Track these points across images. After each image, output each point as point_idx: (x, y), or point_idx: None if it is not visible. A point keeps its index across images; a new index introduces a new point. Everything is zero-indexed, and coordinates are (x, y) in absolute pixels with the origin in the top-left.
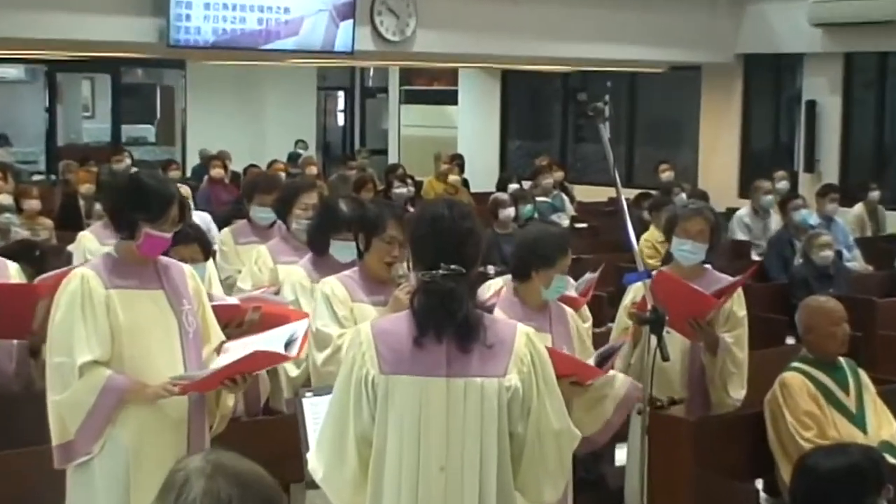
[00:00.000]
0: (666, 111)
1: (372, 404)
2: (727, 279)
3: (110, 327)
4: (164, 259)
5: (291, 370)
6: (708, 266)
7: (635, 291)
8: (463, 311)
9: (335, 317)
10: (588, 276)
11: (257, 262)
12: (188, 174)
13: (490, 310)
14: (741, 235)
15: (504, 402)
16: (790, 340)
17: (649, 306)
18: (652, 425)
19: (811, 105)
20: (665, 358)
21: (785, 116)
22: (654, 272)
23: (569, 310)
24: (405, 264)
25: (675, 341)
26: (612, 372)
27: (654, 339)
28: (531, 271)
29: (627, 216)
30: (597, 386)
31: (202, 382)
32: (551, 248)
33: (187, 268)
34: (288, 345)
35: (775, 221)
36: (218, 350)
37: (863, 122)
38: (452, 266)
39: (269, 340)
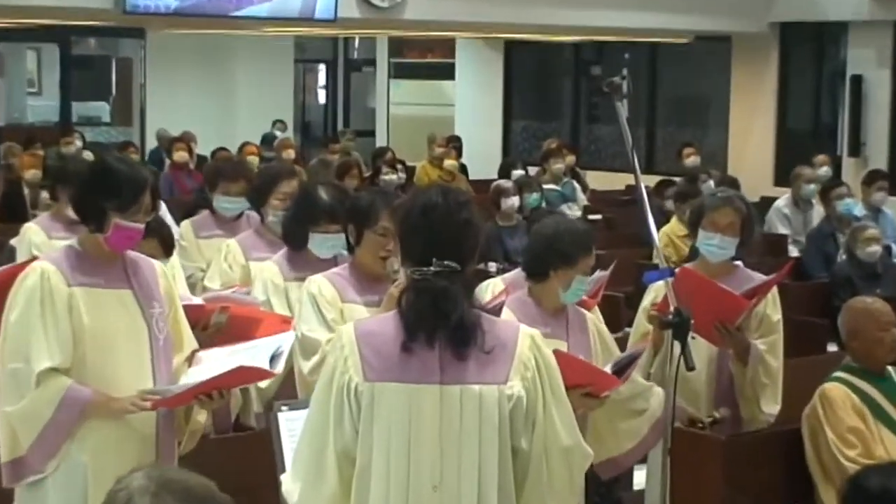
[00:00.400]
0: (691, 87)
1: (355, 416)
2: (760, 278)
3: (72, 330)
4: (132, 254)
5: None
6: (738, 263)
7: (656, 291)
8: (458, 313)
9: (323, 320)
10: (598, 274)
11: (227, 258)
12: (147, 158)
13: (496, 312)
14: (782, 229)
15: (505, 413)
16: (832, 347)
17: (672, 308)
18: (675, 444)
19: (857, 80)
20: (690, 367)
21: (827, 93)
22: (676, 270)
23: (588, 314)
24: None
25: (701, 348)
26: (647, 382)
27: (677, 346)
28: (549, 270)
29: (648, 207)
30: (627, 397)
31: (176, 398)
32: (574, 245)
33: (158, 265)
34: (272, 359)
35: (818, 213)
36: (189, 360)
37: None
38: (446, 262)
39: (253, 354)
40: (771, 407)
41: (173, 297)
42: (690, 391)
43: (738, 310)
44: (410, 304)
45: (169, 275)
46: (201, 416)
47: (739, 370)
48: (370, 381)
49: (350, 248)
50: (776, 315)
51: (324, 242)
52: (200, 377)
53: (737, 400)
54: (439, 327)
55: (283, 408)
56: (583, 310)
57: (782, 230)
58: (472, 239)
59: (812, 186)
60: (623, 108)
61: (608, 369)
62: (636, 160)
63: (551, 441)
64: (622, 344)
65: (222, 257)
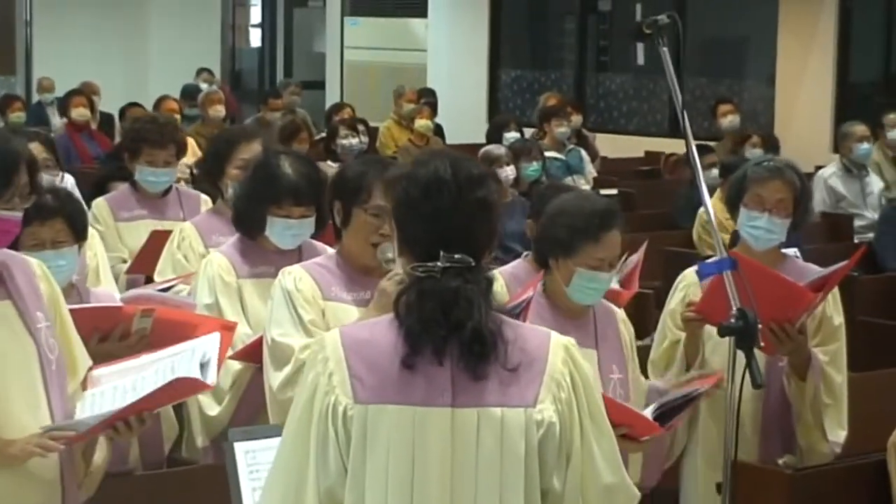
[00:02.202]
0: (727, 28)
1: (343, 447)
2: (816, 270)
3: None
4: (2, 254)
5: (210, 407)
6: (789, 252)
7: (686, 289)
8: (474, 321)
9: (299, 322)
10: (630, 259)
11: (181, 245)
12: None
13: (518, 317)
14: (822, 206)
15: (534, 443)
16: None
17: (734, 308)
18: (731, 479)
19: None
20: (758, 384)
21: None
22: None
23: (621, 315)
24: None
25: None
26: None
27: (739, 358)
28: (548, 259)
29: (702, 180)
30: None
31: (91, 431)
32: (571, 229)
33: (36, 263)
34: (201, 368)
35: (876, 183)
36: (84, 383)
37: None
38: (457, 255)
39: (173, 364)
40: (836, 434)
41: (58, 305)
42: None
43: (802, 305)
44: (412, 309)
45: (84, 268)
46: (101, 454)
47: (798, 387)
48: (362, 402)
49: (337, 233)
50: (838, 317)
51: (286, 230)
52: (115, 402)
53: (790, 425)
54: (451, 339)
55: (242, 436)
56: (614, 307)
57: (824, 207)
58: (489, 224)
59: (866, 146)
60: (668, 57)
61: (649, 412)
62: (686, 123)
63: (590, 479)
64: (646, 354)
65: (174, 245)
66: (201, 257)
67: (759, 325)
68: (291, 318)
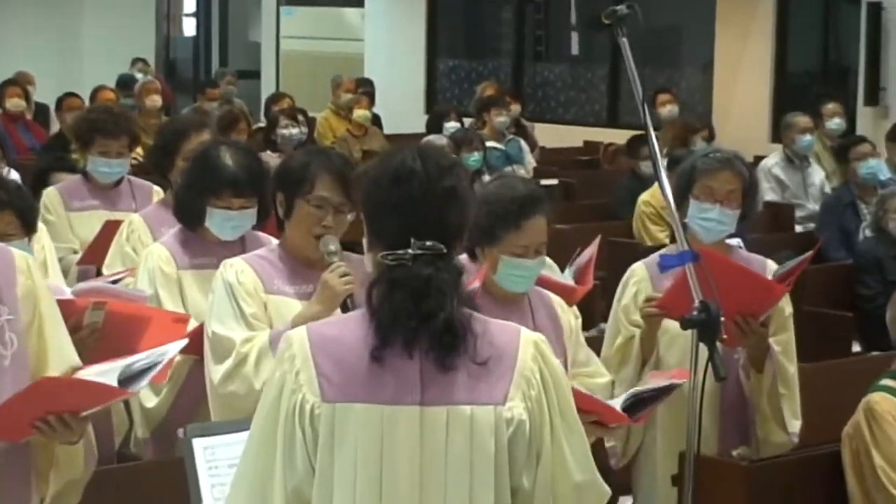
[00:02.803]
0: (665, 17)
1: (311, 446)
2: (759, 260)
3: None
4: None
5: (147, 399)
6: (734, 243)
7: (639, 284)
8: (446, 311)
9: (241, 315)
10: (584, 253)
11: (129, 238)
12: None
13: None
14: (772, 195)
15: (503, 442)
16: (857, 347)
17: (696, 301)
18: (686, 471)
19: (875, 8)
20: (721, 377)
21: (839, 25)
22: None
23: (557, 300)
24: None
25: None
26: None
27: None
28: (475, 248)
29: (663, 172)
30: None
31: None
32: (492, 216)
33: (19, 255)
34: (143, 372)
35: (817, 173)
36: None
37: None
38: (429, 243)
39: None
40: (793, 424)
41: (37, 299)
42: (682, 414)
43: (771, 298)
44: (383, 299)
45: (32, 264)
46: (77, 456)
47: (756, 379)
48: (330, 401)
49: (280, 224)
50: (788, 307)
51: (226, 221)
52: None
53: (744, 417)
54: (422, 330)
55: (200, 432)
56: (551, 294)
57: (771, 196)
58: (459, 213)
59: (808, 137)
60: (627, 47)
61: (618, 402)
62: (647, 115)
63: (560, 477)
64: (596, 345)
65: (123, 237)
66: None
67: (723, 318)
68: (233, 311)
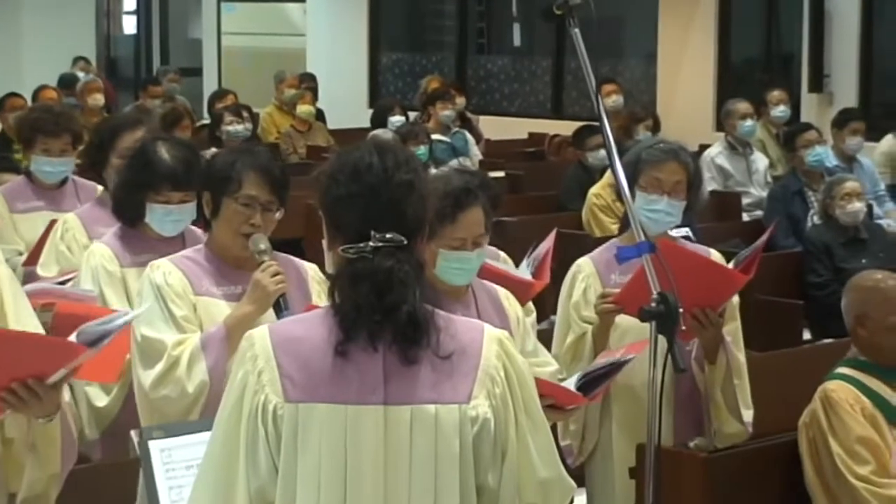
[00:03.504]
0: (608, 7)
1: (274, 447)
2: (704, 250)
3: None
4: None
5: (98, 398)
6: (681, 233)
7: (588, 279)
8: (409, 303)
9: (170, 317)
10: (540, 247)
11: (64, 237)
12: None
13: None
14: (714, 185)
15: (468, 441)
16: (806, 335)
17: (654, 293)
18: (643, 463)
19: None
20: (681, 368)
21: (782, 12)
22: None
23: (503, 291)
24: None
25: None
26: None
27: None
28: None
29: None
30: None
31: None
32: (428, 211)
33: None
34: (99, 339)
35: (761, 160)
36: None
37: (891, 20)
38: (389, 235)
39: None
40: (747, 413)
41: (1, 293)
42: (638, 407)
43: (731, 289)
44: (345, 293)
45: None
46: (53, 439)
47: (710, 370)
48: (293, 401)
49: (206, 224)
50: (735, 296)
51: (166, 216)
52: None
53: (695, 407)
54: (385, 323)
55: (156, 433)
56: (495, 285)
57: (713, 186)
58: (417, 205)
59: (749, 123)
60: (580, 39)
61: (572, 383)
62: (601, 106)
63: (525, 474)
64: (549, 336)
65: (57, 236)
66: (85, 248)
67: (681, 310)
68: (162, 314)
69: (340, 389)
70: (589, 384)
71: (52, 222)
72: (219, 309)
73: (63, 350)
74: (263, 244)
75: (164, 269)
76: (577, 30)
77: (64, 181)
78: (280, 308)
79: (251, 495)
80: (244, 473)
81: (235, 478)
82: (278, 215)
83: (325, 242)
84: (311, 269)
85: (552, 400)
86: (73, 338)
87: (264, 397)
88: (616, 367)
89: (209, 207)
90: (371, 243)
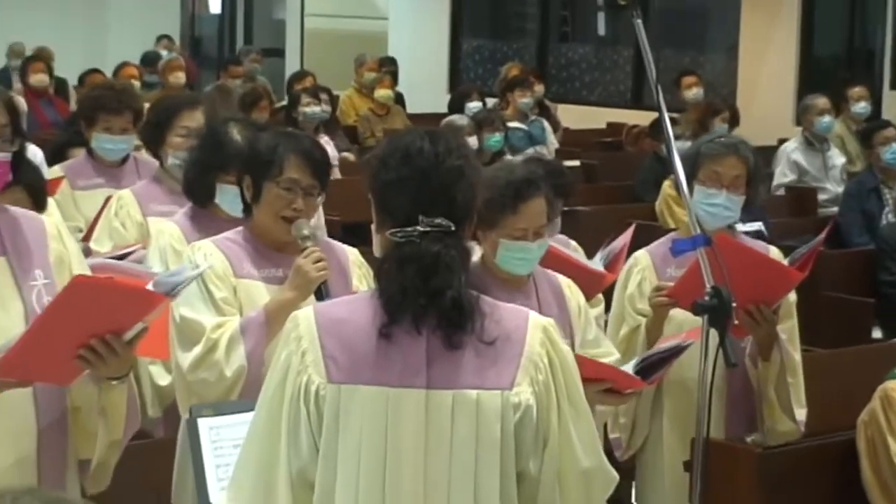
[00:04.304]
0: None
1: (316, 428)
2: (763, 248)
3: None
4: (13, 211)
5: (161, 376)
6: (754, 227)
7: (643, 272)
8: (454, 288)
9: (210, 299)
10: (617, 240)
11: (118, 213)
12: None
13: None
14: (786, 179)
15: (510, 428)
16: (877, 333)
17: (707, 287)
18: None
19: None
20: (732, 363)
21: (865, 8)
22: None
23: (565, 281)
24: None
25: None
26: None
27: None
28: (476, 231)
29: (675, 155)
30: None
31: (17, 349)
32: (490, 202)
33: (51, 223)
34: (171, 290)
35: (838, 156)
36: None
37: None
38: (437, 220)
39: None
40: (800, 412)
41: (69, 266)
42: (690, 402)
43: (786, 286)
44: (391, 276)
45: (63, 230)
46: (120, 406)
47: (764, 368)
48: (335, 382)
49: (246, 207)
50: (793, 294)
51: (236, 197)
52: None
53: (749, 405)
54: (429, 307)
55: (206, 411)
56: (558, 275)
57: (787, 178)
58: (466, 192)
59: (827, 119)
60: (642, 29)
61: (630, 367)
62: (661, 97)
63: (567, 463)
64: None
65: (112, 212)
66: (139, 225)
67: (734, 305)
68: (202, 295)
69: (383, 372)
70: (647, 369)
71: (108, 199)
72: (259, 291)
73: (144, 298)
74: (306, 229)
75: (206, 250)
76: (639, 20)
77: (125, 158)
78: (321, 295)
79: (293, 476)
80: (286, 454)
81: (277, 458)
82: (320, 200)
83: (373, 225)
84: (351, 253)
85: (610, 383)
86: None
87: (307, 378)
88: (676, 351)
89: (250, 192)
90: (419, 228)
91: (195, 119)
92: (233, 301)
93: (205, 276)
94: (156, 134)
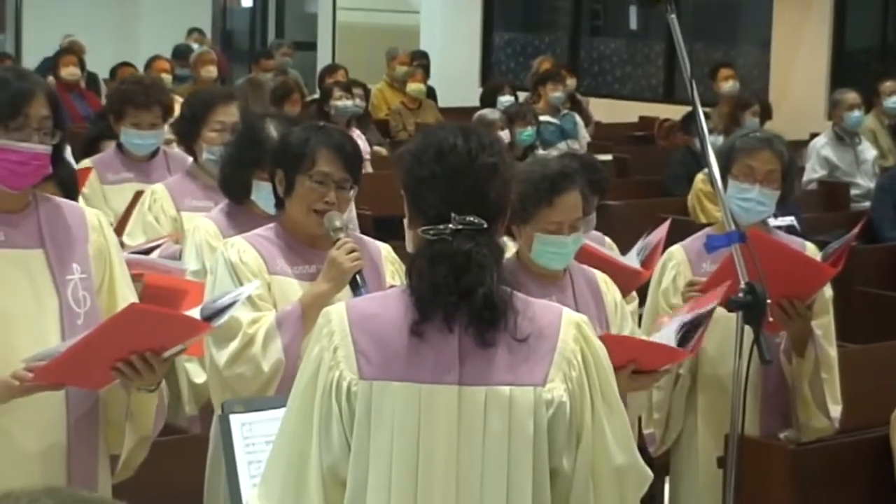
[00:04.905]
0: None
1: (347, 424)
2: (798, 243)
3: None
4: (56, 202)
5: (197, 374)
6: (786, 222)
7: (678, 267)
8: (486, 286)
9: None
10: (653, 236)
11: (152, 207)
12: None
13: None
14: (815, 174)
15: (543, 424)
16: None
17: (742, 283)
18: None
19: None
20: (767, 360)
21: None
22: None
23: (601, 276)
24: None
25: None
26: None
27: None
28: (511, 226)
29: (710, 149)
30: None
31: (59, 361)
32: (522, 196)
33: (93, 214)
34: (224, 309)
35: (869, 150)
36: None
37: None
38: (469, 218)
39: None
40: (835, 408)
41: (110, 260)
42: (724, 398)
43: (819, 281)
44: (423, 274)
45: (104, 221)
46: (151, 405)
47: (798, 364)
48: (367, 378)
49: (278, 202)
50: (829, 290)
51: (272, 194)
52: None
53: (783, 401)
54: (461, 305)
55: (238, 408)
56: (593, 269)
57: (817, 173)
58: (499, 189)
59: (857, 114)
60: (676, 23)
61: (672, 337)
62: (695, 91)
63: (601, 460)
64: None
65: (145, 207)
66: (173, 220)
67: (769, 301)
68: None
69: (415, 368)
70: (684, 340)
71: (138, 193)
72: (292, 288)
73: (190, 326)
74: (339, 221)
75: (239, 247)
76: (673, 15)
77: (155, 153)
78: (357, 285)
79: (324, 472)
80: (317, 450)
81: (308, 454)
82: (352, 193)
83: (405, 221)
84: (383, 248)
85: (634, 365)
86: (194, 314)
87: (339, 374)
88: (706, 315)
89: (282, 185)
90: (451, 225)
91: (230, 114)
92: (267, 297)
93: (239, 272)
94: (190, 128)
